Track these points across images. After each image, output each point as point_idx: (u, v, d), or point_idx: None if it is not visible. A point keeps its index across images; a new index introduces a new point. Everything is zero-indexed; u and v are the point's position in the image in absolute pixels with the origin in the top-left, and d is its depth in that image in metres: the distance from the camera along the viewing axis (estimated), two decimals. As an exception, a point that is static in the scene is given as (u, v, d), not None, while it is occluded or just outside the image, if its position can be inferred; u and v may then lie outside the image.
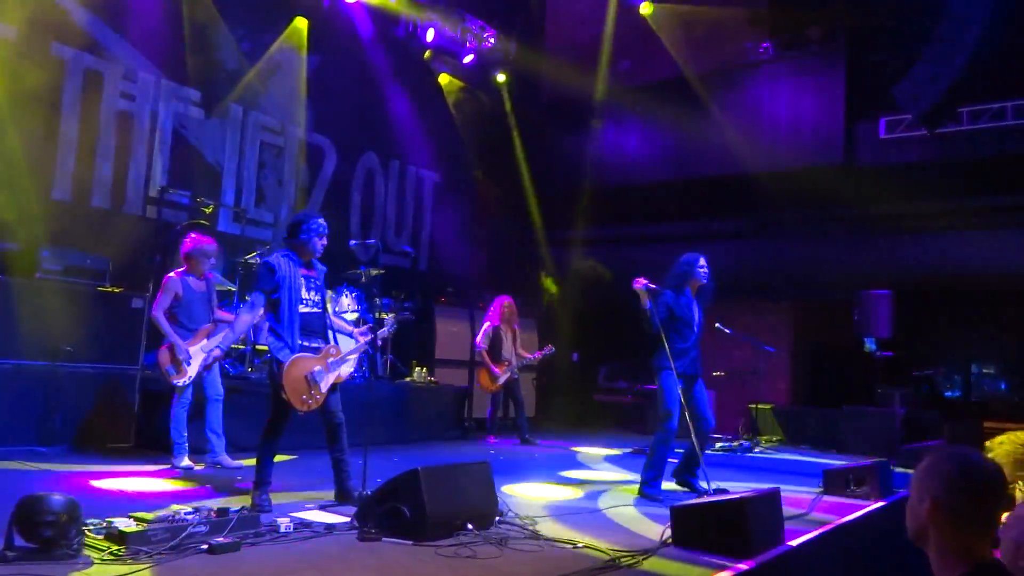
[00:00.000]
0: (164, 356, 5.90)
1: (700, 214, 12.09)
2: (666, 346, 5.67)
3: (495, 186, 12.56)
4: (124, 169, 8.27)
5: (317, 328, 4.86)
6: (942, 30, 8.77)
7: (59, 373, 6.31)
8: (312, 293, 4.86)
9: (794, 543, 4.36)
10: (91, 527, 3.51)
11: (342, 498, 4.81)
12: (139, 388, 6.78)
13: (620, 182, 12.52)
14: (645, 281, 5.62)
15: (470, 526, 4.12)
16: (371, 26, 10.81)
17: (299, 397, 4.62)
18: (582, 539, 4.16)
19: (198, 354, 5.92)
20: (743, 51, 11.94)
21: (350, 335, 5.20)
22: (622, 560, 3.81)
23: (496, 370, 8.84)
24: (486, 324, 9.04)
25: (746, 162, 11.64)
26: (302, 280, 4.80)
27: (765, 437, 10.36)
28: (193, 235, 6.27)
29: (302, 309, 4.75)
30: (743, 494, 4.31)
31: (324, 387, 4.75)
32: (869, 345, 9.67)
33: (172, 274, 6.08)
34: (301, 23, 10.09)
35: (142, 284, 7.03)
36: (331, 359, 4.81)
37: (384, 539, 3.94)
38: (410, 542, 3.90)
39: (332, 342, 4.93)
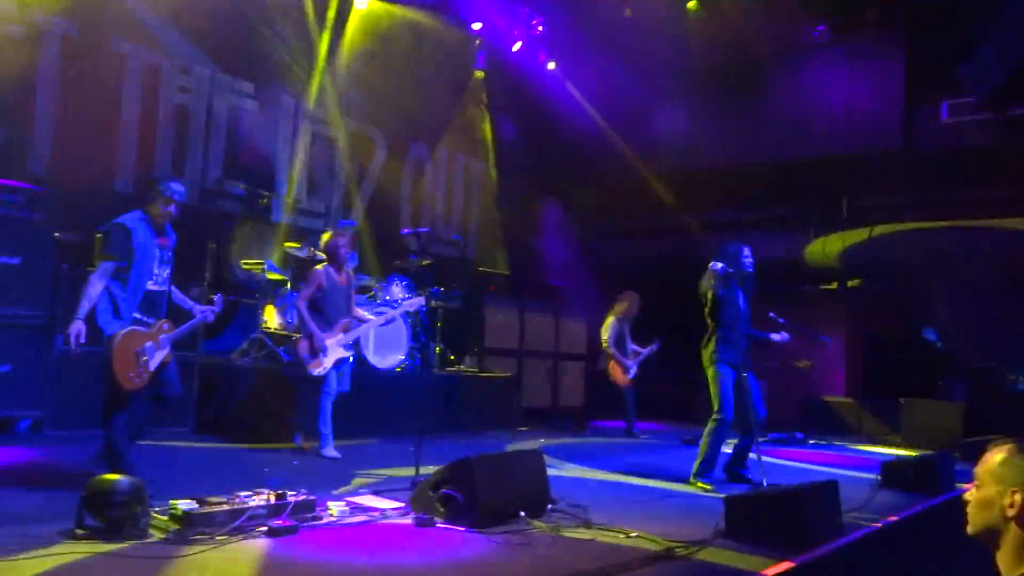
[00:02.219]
0: (303, 345, 6.01)
1: (753, 202, 11.88)
2: (718, 336, 5.68)
3: (545, 174, 12.52)
4: (181, 161, 8.47)
5: (158, 307, 4.58)
6: (1010, 9, 8.44)
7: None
8: (162, 269, 4.57)
9: (852, 537, 4.27)
10: (156, 508, 3.62)
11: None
12: (198, 374, 6.94)
13: (673, 169, 12.35)
14: (723, 265, 5.60)
15: (523, 513, 4.14)
16: (421, 16, 10.86)
17: (125, 374, 4.32)
18: (635, 528, 4.14)
19: (335, 347, 6.02)
20: (797, 34, 11.67)
21: (191, 308, 4.80)
22: (676, 550, 3.78)
23: (627, 362, 8.97)
24: (610, 318, 9.14)
25: (800, 148, 11.40)
26: (156, 252, 4.52)
27: (819, 429, 10.16)
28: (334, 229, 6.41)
29: (150, 286, 4.48)
30: (799, 486, 4.24)
31: (153, 364, 4.44)
32: (929, 336, 9.40)
33: (318, 266, 6.23)
34: (352, 15, 10.17)
35: (199, 274, 7.19)
36: (163, 335, 4.53)
37: (438, 525, 3.98)
38: (463, 528, 3.93)
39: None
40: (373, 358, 7.84)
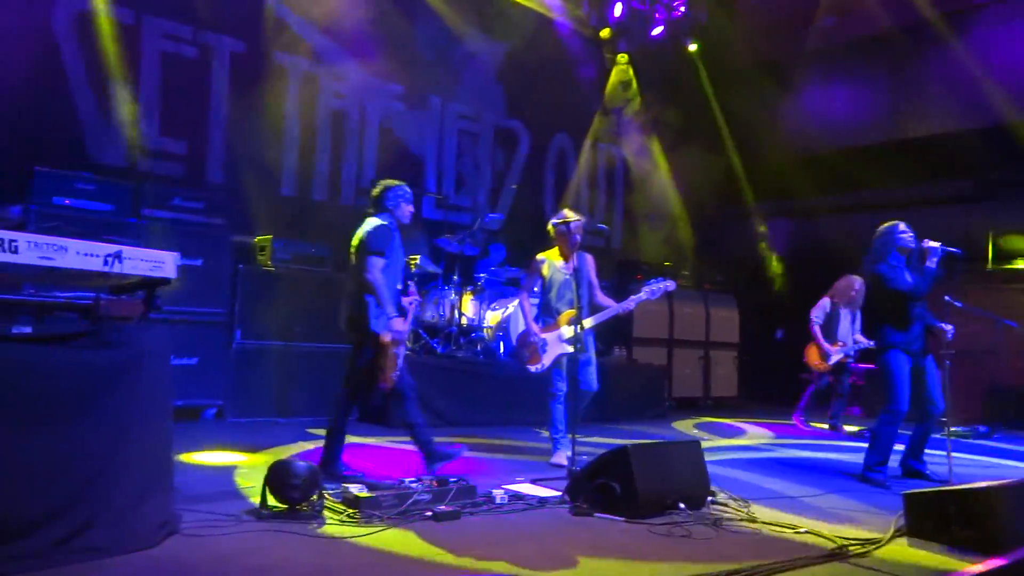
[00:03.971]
0: (520, 340, 5.73)
1: (920, 178, 11.01)
2: (891, 320, 5.34)
3: (692, 160, 12.16)
4: (339, 164, 8.93)
5: (402, 308, 4.67)
6: None
7: (292, 352, 6.97)
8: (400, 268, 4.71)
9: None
10: (330, 491, 3.84)
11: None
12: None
13: (829, 148, 11.66)
14: (940, 246, 5.29)
15: (682, 505, 4.05)
16: (559, 6, 10.85)
17: (389, 374, 4.49)
18: (803, 524, 3.94)
19: (555, 342, 5.52)
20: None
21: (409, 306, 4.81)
22: (850, 548, 3.56)
23: (828, 347, 8.26)
24: (824, 298, 8.48)
25: (972, 118, 10.43)
26: (401, 255, 4.64)
27: (1007, 422, 9.29)
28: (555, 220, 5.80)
29: (398, 286, 4.61)
30: (991, 483, 3.87)
31: (401, 362, 4.58)
32: None
33: (539, 255, 5.82)
34: (493, 13, 10.29)
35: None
36: (403, 331, 4.63)
37: (596, 514, 3.97)
38: (622, 519, 3.89)
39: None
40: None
